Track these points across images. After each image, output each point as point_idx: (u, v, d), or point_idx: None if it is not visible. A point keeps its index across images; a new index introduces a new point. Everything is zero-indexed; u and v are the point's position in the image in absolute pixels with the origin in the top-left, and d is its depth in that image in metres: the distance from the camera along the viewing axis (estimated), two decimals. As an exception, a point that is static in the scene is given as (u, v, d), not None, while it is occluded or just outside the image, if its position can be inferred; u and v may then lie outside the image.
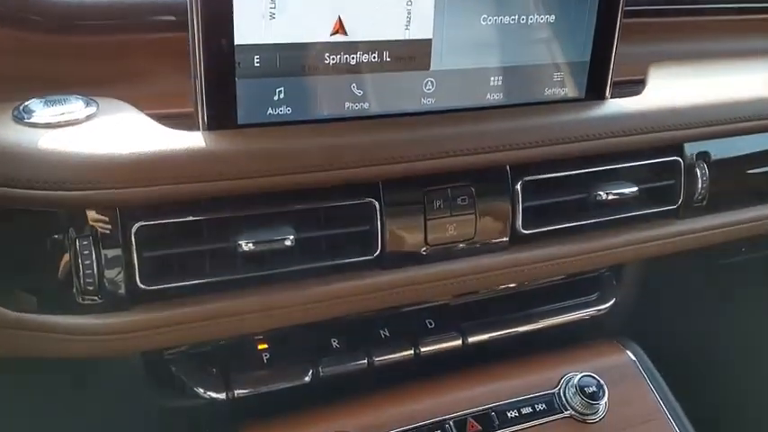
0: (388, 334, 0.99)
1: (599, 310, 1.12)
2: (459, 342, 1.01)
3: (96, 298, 0.76)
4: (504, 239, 0.93)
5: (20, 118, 0.76)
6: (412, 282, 0.90)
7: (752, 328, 1.49)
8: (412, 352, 0.98)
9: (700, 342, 1.40)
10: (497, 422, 0.94)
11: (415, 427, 0.91)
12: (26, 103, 0.78)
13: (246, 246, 0.78)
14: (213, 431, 0.90)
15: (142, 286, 0.77)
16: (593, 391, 0.97)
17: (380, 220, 0.85)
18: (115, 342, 0.77)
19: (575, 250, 0.98)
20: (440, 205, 0.88)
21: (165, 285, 0.78)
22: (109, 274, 0.76)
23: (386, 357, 0.96)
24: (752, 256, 1.48)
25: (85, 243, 0.75)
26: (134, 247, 0.76)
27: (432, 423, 0.92)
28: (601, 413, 0.98)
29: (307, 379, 0.93)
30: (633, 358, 1.05)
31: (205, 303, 0.80)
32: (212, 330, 0.81)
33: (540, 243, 0.96)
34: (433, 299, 1.01)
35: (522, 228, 0.94)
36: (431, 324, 1.01)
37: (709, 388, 1.43)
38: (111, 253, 0.76)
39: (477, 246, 0.92)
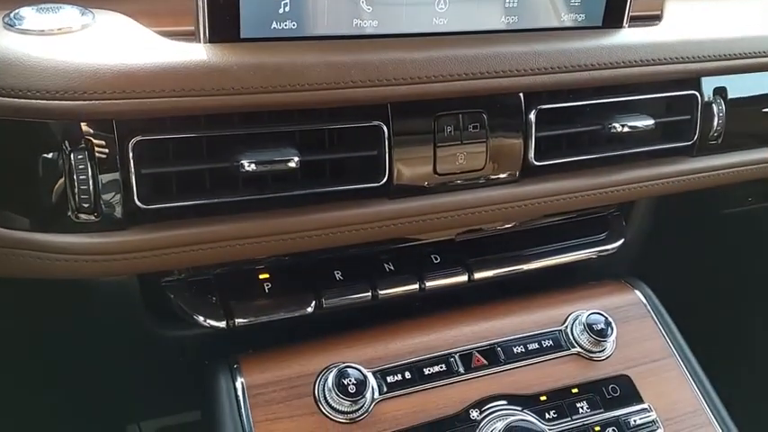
0: (392, 268, 0.96)
1: (607, 251, 1.09)
2: (465, 278, 0.98)
3: (92, 216, 0.73)
4: (516, 171, 0.90)
5: (11, 25, 0.72)
6: (419, 213, 0.87)
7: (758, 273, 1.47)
8: (417, 286, 0.95)
9: (707, 283, 1.38)
10: (503, 357, 0.92)
11: (420, 360, 0.90)
12: (17, 11, 0.73)
13: (249, 166, 0.75)
14: (213, 361, 0.87)
15: (140, 205, 0.74)
16: (601, 329, 0.95)
17: (388, 145, 0.82)
18: (112, 263, 0.74)
19: (586, 185, 0.96)
20: (450, 132, 0.85)
21: (164, 205, 0.75)
22: (105, 191, 0.73)
23: (390, 291, 0.94)
24: (757, 207, 1.46)
25: (80, 158, 0.71)
26: (131, 163, 0.73)
27: (436, 356, 0.90)
28: (608, 351, 0.96)
29: (309, 310, 0.90)
30: (641, 298, 1.03)
31: (204, 226, 0.77)
32: (211, 254, 0.78)
33: (552, 176, 0.93)
34: (441, 232, 0.98)
35: (535, 159, 0.90)
36: (436, 259, 0.98)
37: (717, 328, 1.41)
38: (107, 169, 0.72)
39: (488, 177, 0.89)
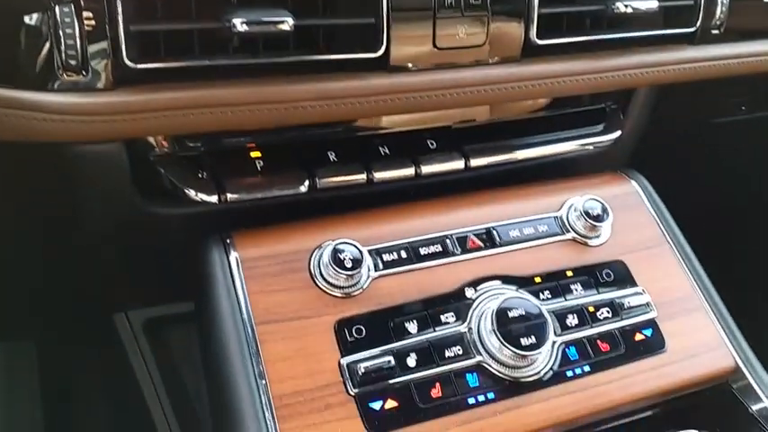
0: (387, 151, 0.94)
1: (603, 143, 1.08)
2: (461, 164, 0.97)
3: (80, 76, 0.70)
4: (517, 50, 0.88)
5: None
6: (418, 88, 0.85)
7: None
8: (413, 171, 0.94)
9: (701, 182, 1.38)
10: (499, 240, 0.92)
11: (416, 240, 0.89)
12: None
13: (240, 26, 0.72)
14: (206, 237, 0.86)
15: (129, 64, 0.71)
16: (597, 215, 0.95)
17: (387, 11, 0.79)
18: (100, 124, 0.72)
19: (587, 68, 0.93)
20: (451, 2, 0.82)
21: (153, 65, 0.72)
22: (93, 48, 0.70)
23: (386, 174, 0.92)
24: (750, 117, 1.46)
25: (66, 11, 0.68)
26: (120, 17, 0.69)
27: (432, 237, 0.89)
28: (603, 237, 0.96)
29: (303, 189, 0.88)
30: (638, 188, 1.02)
31: (195, 89, 0.74)
32: (201, 120, 0.75)
33: (553, 57, 0.91)
34: (438, 117, 0.96)
35: (536, 38, 0.88)
36: (432, 145, 0.97)
37: (712, 219, 1.43)
38: (95, 25, 0.69)
39: (489, 55, 0.86)
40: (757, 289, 1.59)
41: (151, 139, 0.85)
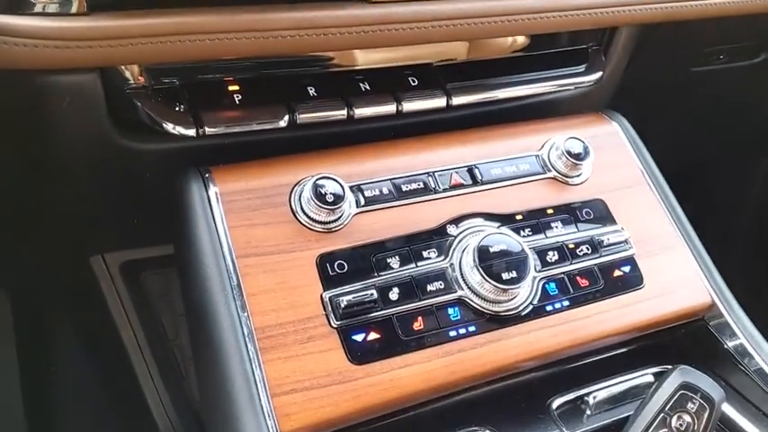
0: (368, 87, 0.93)
1: (585, 83, 1.07)
2: (443, 102, 0.95)
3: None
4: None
5: None
6: (396, 20, 0.83)
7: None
8: (394, 108, 0.92)
9: (679, 126, 1.39)
10: (480, 178, 0.91)
11: (398, 177, 0.88)
12: None
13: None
14: (184, 171, 0.84)
15: (102, -13, 0.69)
16: (578, 153, 0.95)
17: (367, -61, 0.77)
18: (74, 50, 0.70)
19: (566, 4, 0.93)
20: (432, -69, 0.81)
21: (128, -12, 0.70)
22: (63, -31, 0.68)
23: (367, 110, 0.91)
24: (728, 66, 1.47)
25: (34, -72, 0.66)
26: (91, -63, 0.67)
27: (414, 174, 0.89)
28: (584, 176, 0.96)
29: (282, 123, 0.86)
30: (619, 128, 1.02)
31: (169, 16, 0.73)
32: (177, 49, 0.73)
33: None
34: (420, 51, 0.95)
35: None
36: (414, 82, 0.95)
37: (689, 162, 1.45)
38: (64, -56, 0.67)
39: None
40: (727, 233, 1.63)
41: (127, 72, 0.83)
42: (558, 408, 0.90)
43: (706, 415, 0.86)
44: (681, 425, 0.86)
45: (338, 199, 0.82)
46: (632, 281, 0.92)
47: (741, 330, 0.95)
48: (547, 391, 0.91)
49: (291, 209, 0.82)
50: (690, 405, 0.87)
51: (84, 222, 1.01)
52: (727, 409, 0.93)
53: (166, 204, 0.87)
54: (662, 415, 0.86)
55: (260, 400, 0.71)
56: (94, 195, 0.96)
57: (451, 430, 0.84)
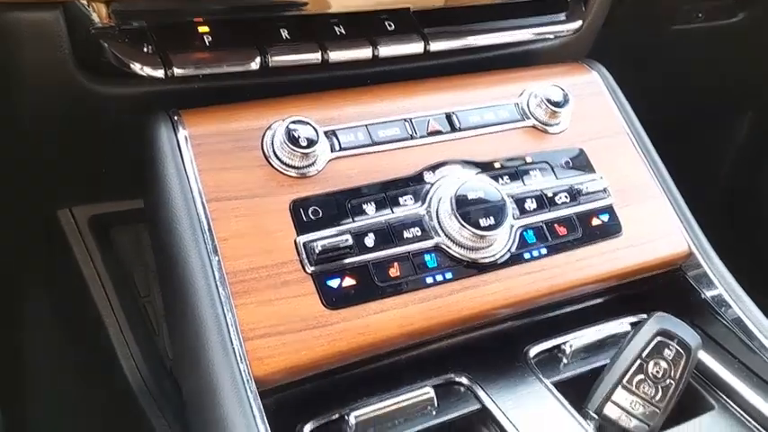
0: (343, 32, 0.90)
1: (564, 32, 1.05)
2: (420, 48, 0.93)
3: None
4: None
5: None
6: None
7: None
8: (370, 52, 0.90)
9: (664, 77, 1.39)
10: (459, 125, 0.90)
11: (374, 123, 0.86)
12: None
13: None
14: (152, 114, 0.81)
15: None
16: (558, 101, 0.93)
17: None
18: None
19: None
20: None
21: None
22: None
23: (342, 54, 0.88)
24: (708, 25, 1.46)
25: None
26: None
27: (391, 120, 0.87)
28: (563, 125, 0.95)
29: (254, 66, 0.83)
30: (599, 78, 1.01)
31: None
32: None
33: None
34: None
35: None
36: (391, 26, 0.93)
37: (673, 109, 1.44)
38: None
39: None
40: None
41: (93, 13, 0.79)
42: (536, 356, 0.90)
43: (683, 362, 0.86)
44: (657, 371, 0.86)
45: (312, 143, 0.79)
46: (610, 229, 0.91)
47: (719, 280, 0.95)
48: (524, 339, 0.90)
49: (264, 153, 0.80)
50: (666, 352, 0.87)
51: (48, 173, 0.98)
52: (705, 357, 0.93)
53: (136, 154, 0.84)
54: (639, 362, 0.86)
55: (232, 344, 0.70)
56: (60, 144, 0.93)
57: (428, 377, 0.83)
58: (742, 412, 0.88)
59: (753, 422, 0.87)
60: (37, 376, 1.16)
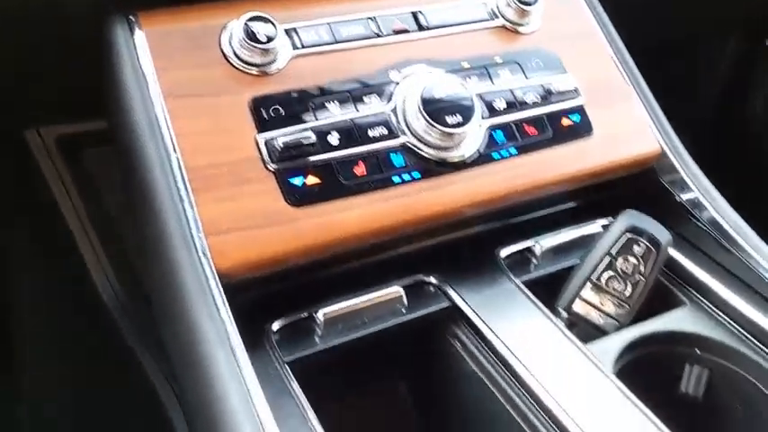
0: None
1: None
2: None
3: None
4: None
5: None
6: None
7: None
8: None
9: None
10: (425, 23, 0.87)
11: (337, 20, 0.83)
12: None
13: None
14: (108, 18, 0.79)
15: None
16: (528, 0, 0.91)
17: None
18: None
19: None
20: None
21: None
22: None
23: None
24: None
25: None
26: None
27: (355, 18, 0.84)
28: (534, 25, 0.93)
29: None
30: (569, -22, 0.99)
31: None
32: None
33: None
34: None
35: None
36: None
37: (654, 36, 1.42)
38: None
39: None
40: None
41: None
42: (506, 257, 0.90)
43: (652, 258, 0.87)
44: (627, 268, 0.87)
45: (270, 39, 0.77)
46: (581, 130, 0.90)
47: (694, 183, 0.94)
48: (495, 242, 0.90)
49: (222, 51, 0.78)
50: (636, 248, 0.87)
51: (8, 88, 0.96)
52: (678, 256, 0.93)
53: (98, 66, 0.82)
54: (608, 258, 0.86)
55: (193, 239, 0.69)
56: (18, 57, 0.90)
57: (398, 278, 0.83)
58: (714, 308, 0.88)
59: (726, 317, 0.87)
60: (9, 295, 1.16)
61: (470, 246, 0.89)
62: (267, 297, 0.78)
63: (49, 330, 1.16)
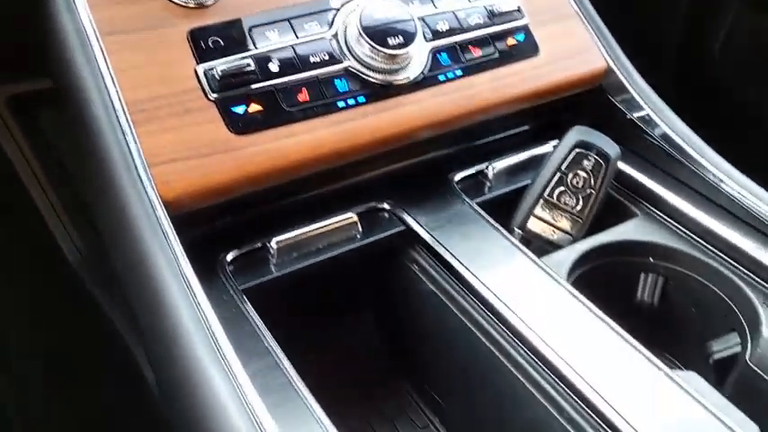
0: None
1: None
2: None
3: None
4: None
5: None
6: None
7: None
8: None
9: None
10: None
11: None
12: None
13: None
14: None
15: None
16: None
17: None
18: None
19: None
20: None
21: None
22: None
23: None
24: None
25: None
26: None
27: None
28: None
29: None
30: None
31: None
32: None
33: None
34: None
35: None
36: None
37: None
38: None
39: None
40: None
41: None
42: (460, 182, 0.90)
43: (602, 171, 0.88)
44: (577, 182, 0.87)
45: (207, -30, 0.77)
46: (527, 49, 0.91)
47: (644, 100, 0.95)
48: (448, 167, 0.91)
49: (155, -15, 0.78)
50: (585, 162, 0.88)
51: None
52: (630, 170, 0.93)
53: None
54: (558, 174, 0.87)
55: (137, 170, 0.69)
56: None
57: (349, 207, 0.83)
58: (666, 217, 0.89)
59: (677, 225, 0.88)
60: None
61: (424, 172, 0.89)
62: (222, 230, 0.79)
63: (10, 288, 1.16)
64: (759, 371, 0.75)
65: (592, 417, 0.66)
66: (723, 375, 0.81)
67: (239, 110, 0.75)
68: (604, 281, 0.85)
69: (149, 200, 0.69)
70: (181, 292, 0.66)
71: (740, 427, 0.64)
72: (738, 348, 0.80)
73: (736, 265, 0.83)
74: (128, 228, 0.70)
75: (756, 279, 0.81)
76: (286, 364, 0.68)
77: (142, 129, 0.71)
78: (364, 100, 0.81)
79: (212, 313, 0.65)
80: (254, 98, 0.76)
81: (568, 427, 0.67)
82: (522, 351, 0.72)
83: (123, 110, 0.71)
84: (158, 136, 0.71)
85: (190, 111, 0.73)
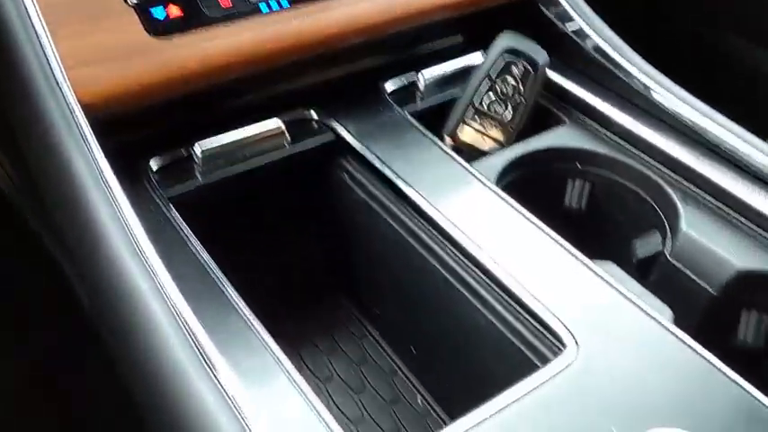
0: None
1: None
2: None
3: None
4: None
5: None
6: None
7: None
8: None
9: None
10: None
11: None
12: None
13: None
14: None
15: None
16: None
17: None
18: None
19: None
20: None
21: None
22: None
23: None
24: None
25: None
26: None
27: None
28: None
29: None
30: None
31: None
32: None
33: None
34: None
35: None
36: None
37: None
38: None
39: None
40: None
41: None
42: (392, 92, 0.91)
43: (531, 78, 0.88)
44: (506, 89, 0.88)
45: None
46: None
47: (578, 13, 0.95)
48: (379, 76, 0.91)
49: None
50: (514, 70, 0.88)
51: None
52: (561, 80, 0.94)
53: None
54: (488, 82, 0.88)
55: (53, 74, 0.67)
56: None
57: (276, 113, 0.83)
58: (595, 124, 0.91)
59: (605, 131, 0.90)
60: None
61: (355, 81, 0.89)
62: (147, 139, 0.78)
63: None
64: (678, 264, 0.78)
65: (513, 306, 0.67)
66: (646, 274, 0.84)
67: (159, 14, 0.74)
68: (533, 187, 0.86)
69: (67, 103, 0.67)
70: (104, 201, 0.65)
71: (655, 310, 0.67)
72: (660, 247, 0.83)
73: (659, 166, 0.85)
74: (47, 133, 0.68)
75: (676, 178, 0.83)
76: (218, 274, 0.67)
77: (59, 33, 0.69)
78: (288, 5, 0.80)
79: (138, 225, 0.63)
80: (173, 2, 0.74)
81: (495, 323, 0.69)
82: (453, 255, 0.73)
83: (38, 14, 0.69)
84: (75, 39, 0.70)
85: (108, 14, 0.72)
